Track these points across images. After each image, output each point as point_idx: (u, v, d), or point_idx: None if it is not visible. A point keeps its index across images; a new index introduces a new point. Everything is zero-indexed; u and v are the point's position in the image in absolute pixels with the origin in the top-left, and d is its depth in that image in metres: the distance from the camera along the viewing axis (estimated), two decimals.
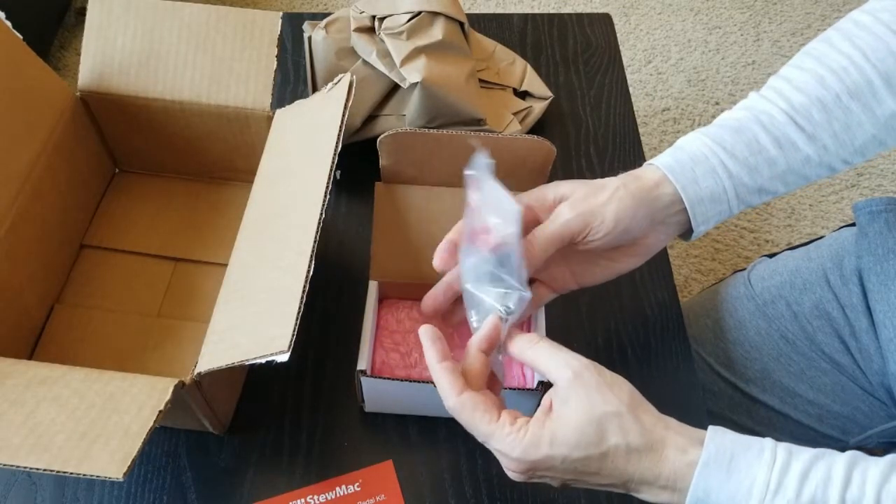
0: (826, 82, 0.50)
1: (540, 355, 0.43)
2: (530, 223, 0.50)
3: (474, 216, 0.46)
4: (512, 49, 0.78)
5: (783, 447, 0.40)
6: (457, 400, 0.42)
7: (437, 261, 0.49)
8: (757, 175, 0.50)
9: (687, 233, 0.52)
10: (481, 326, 0.45)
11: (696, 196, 0.49)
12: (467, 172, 0.46)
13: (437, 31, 0.64)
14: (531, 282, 0.51)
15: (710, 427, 0.41)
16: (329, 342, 0.61)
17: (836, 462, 0.39)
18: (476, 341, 0.44)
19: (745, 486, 0.38)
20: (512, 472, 0.43)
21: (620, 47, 0.84)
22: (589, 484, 0.43)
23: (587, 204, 0.48)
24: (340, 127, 0.50)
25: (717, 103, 1.54)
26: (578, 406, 0.41)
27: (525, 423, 0.41)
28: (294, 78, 0.79)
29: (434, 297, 0.51)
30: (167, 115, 0.61)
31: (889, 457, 0.39)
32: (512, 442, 0.41)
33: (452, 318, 0.53)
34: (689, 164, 0.50)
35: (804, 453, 0.39)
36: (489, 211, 0.45)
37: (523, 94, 0.75)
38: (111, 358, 0.58)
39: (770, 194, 0.52)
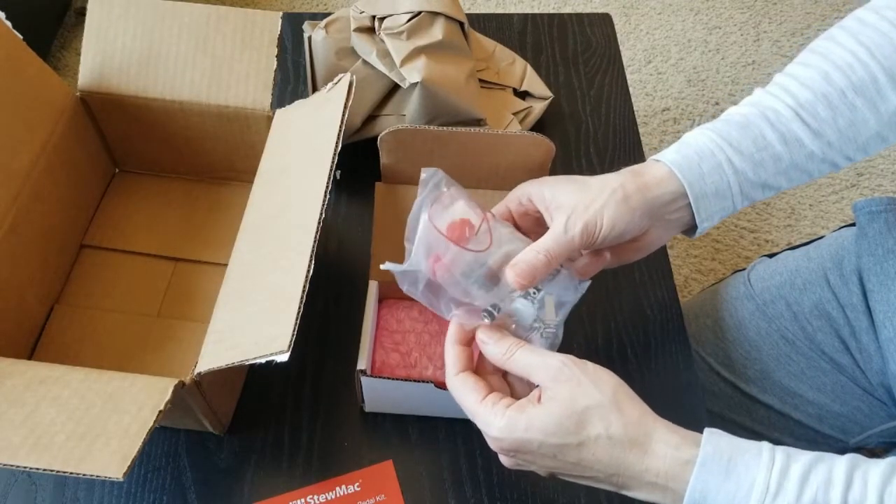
0: (831, 78, 0.50)
1: (519, 363, 0.44)
2: (534, 212, 0.51)
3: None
4: (512, 49, 0.78)
5: (781, 450, 0.39)
6: (453, 378, 0.45)
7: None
8: (762, 171, 0.50)
9: (690, 229, 0.52)
10: (446, 358, 0.46)
11: (701, 192, 0.49)
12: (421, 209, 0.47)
13: (437, 31, 0.64)
14: None
15: (706, 430, 0.41)
16: (329, 342, 0.61)
17: (836, 465, 0.38)
18: (450, 369, 0.46)
19: (743, 488, 0.38)
20: (498, 453, 0.44)
21: (620, 47, 0.84)
22: (573, 476, 0.43)
23: (587, 214, 0.48)
24: (340, 127, 0.50)
25: (717, 103, 1.54)
26: (561, 400, 0.41)
27: (507, 405, 0.42)
28: (294, 78, 0.79)
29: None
30: (167, 115, 0.61)
31: (890, 458, 0.39)
32: (489, 418, 0.42)
33: None
34: (695, 159, 0.49)
35: (803, 456, 0.39)
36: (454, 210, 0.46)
37: (523, 94, 0.75)
38: (111, 358, 0.58)
39: (773, 190, 0.52)
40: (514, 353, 0.44)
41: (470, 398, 0.43)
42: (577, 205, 0.48)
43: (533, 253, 0.47)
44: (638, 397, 0.42)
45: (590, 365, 0.42)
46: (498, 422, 0.42)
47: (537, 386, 0.43)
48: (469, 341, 0.46)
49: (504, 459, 0.45)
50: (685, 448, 0.40)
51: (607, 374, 0.42)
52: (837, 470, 0.38)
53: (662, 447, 0.40)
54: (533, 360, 0.43)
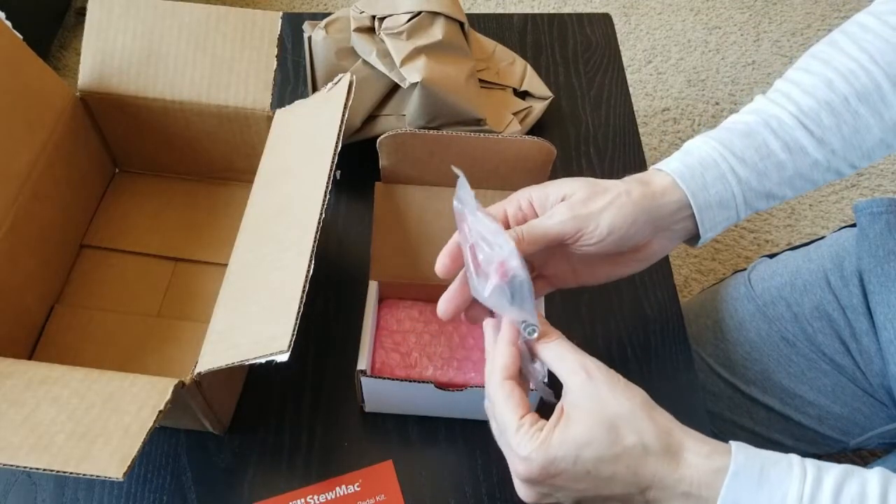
0: (834, 85, 0.50)
1: (553, 355, 0.42)
2: (533, 218, 0.49)
3: (474, 249, 0.45)
4: (512, 49, 0.78)
5: (811, 462, 0.39)
6: (501, 382, 0.42)
7: (440, 267, 0.47)
8: (765, 180, 0.50)
9: (693, 239, 0.51)
10: (497, 356, 0.43)
11: (705, 202, 0.48)
12: (455, 203, 0.45)
13: (437, 31, 0.64)
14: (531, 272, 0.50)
15: (732, 443, 0.40)
16: (329, 342, 0.61)
17: (869, 479, 0.38)
18: (499, 371, 0.43)
19: (776, 498, 0.37)
20: (520, 480, 0.42)
21: (620, 47, 0.84)
22: (603, 497, 0.41)
23: (584, 208, 0.47)
24: (340, 127, 0.50)
25: (717, 103, 1.54)
26: (590, 408, 0.40)
27: (541, 427, 0.40)
28: (294, 78, 0.79)
29: (453, 297, 0.47)
30: (167, 115, 0.61)
31: None
32: (523, 438, 0.40)
33: (470, 314, 0.50)
34: (698, 169, 0.49)
35: (833, 469, 0.38)
36: (486, 247, 0.44)
37: (523, 94, 0.75)
38: (111, 358, 0.58)
39: (777, 199, 0.51)
40: (552, 341, 0.43)
41: (511, 413, 0.41)
42: (577, 195, 0.47)
43: (511, 232, 0.46)
44: (661, 407, 0.41)
45: (621, 377, 0.41)
46: (531, 439, 0.40)
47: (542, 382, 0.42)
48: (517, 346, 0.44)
49: (525, 490, 0.42)
50: (716, 457, 0.39)
51: (637, 387, 0.41)
52: (871, 485, 0.37)
53: (693, 457, 0.39)
54: (568, 357, 0.42)
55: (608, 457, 0.39)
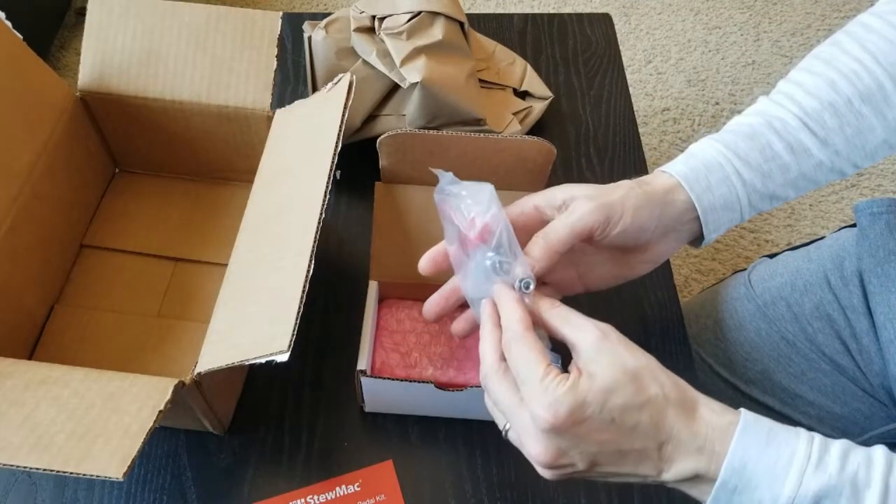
0: (837, 86, 0.50)
1: (562, 317, 0.42)
2: (537, 224, 0.48)
3: (457, 224, 0.45)
4: (512, 49, 0.78)
5: (815, 433, 0.39)
6: (523, 333, 0.41)
7: (422, 264, 0.48)
8: (769, 181, 0.50)
9: (697, 240, 0.52)
10: (508, 316, 0.43)
11: (710, 205, 0.49)
12: (435, 195, 0.46)
13: (437, 31, 0.64)
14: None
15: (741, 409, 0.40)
16: (329, 342, 0.61)
17: (873, 450, 0.39)
18: (517, 324, 0.42)
19: (784, 456, 0.38)
20: (541, 432, 0.40)
21: (620, 47, 0.84)
22: (621, 454, 0.40)
23: (605, 198, 0.47)
24: (340, 127, 0.50)
25: (717, 103, 1.54)
26: (610, 361, 0.39)
27: (567, 376, 0.39)
28: (294, 78, 0.79)
29: (437, 302, 0.49)
30: (167, 115, 0.61)
31: None
32: (551, 384, 0.39)
33: (457, 328, 0.51)
34: (703, 171, 0.49)
35: (838, 441, 0.39)
36: (466, 206, 0.44)
37: (523, 94, 0.75)
38: (111, 358, 0.58)
39: (780, 200, 0.52)
40: (559, 306, 0.43)
41: (535, 363, 0.40)
42: (590, 193, 0.47)
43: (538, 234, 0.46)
44: None
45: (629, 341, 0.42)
46: (557, 386, 0.38)
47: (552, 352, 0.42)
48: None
49: (543, 444, 0.40)
50: (727, 414, 0.39)
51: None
52: (877, 453, 0.38)
53: (708, 412, 0.39)
54: (578, 318, 0.42)
55: (634, 404, 0.39)
